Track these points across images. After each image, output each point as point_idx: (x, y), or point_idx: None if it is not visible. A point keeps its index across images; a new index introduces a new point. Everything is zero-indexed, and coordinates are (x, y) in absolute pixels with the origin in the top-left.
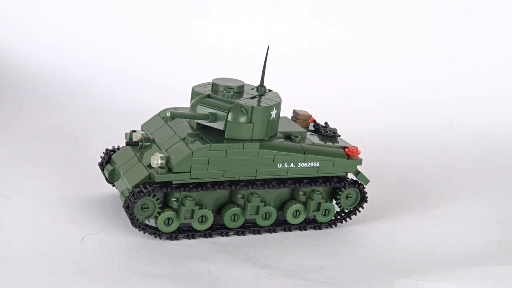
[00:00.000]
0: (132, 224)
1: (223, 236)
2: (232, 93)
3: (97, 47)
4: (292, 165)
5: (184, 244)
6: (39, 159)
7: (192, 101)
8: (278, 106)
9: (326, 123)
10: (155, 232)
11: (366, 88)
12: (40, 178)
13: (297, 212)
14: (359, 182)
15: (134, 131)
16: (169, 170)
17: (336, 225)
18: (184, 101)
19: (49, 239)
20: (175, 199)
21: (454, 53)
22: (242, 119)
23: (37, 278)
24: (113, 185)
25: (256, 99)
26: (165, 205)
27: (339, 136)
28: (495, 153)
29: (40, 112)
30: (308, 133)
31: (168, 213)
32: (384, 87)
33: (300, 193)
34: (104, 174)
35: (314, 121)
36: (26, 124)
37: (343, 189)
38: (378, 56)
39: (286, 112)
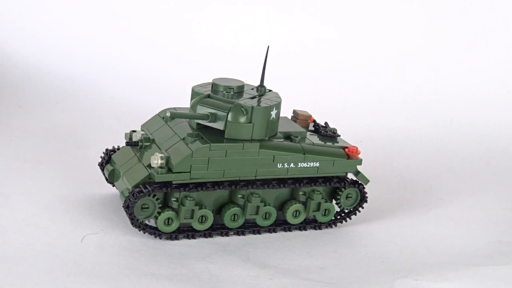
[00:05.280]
0: (132, 224)
1: (223, 236)
2: (232, 93)
3: (97, 48)
4: (292, 165)
5: (184, 244)
6: (39, 159)
7: (192, 101)
8: (278, 106)
9: (326, 123)
10: (155, 232)
11: (366, 88)
12: (40, 178)
13: (297, 212)
14: (359, 182)
15: (134, 131)
16: (169, 170)
17: (336, 225)
18: (184, 101)
19: (49, 239)
20: (175, 199)
21: (454, 53)
22: (242, 119)
23: (37, 278)
24: (113, 185)
25: (256, 99)
26: (165, 205)
27: (339, 136)
28: (495, 153)
29: (40, 112)
30: (308, 133)
31: (168, 213)
32: (384, 87)
33: (300, 193)
34: (104, 174)
35: (314, 121)
36: (26, 124)
37: (343, 189)
38: (378, 56)
39: (286, 112)
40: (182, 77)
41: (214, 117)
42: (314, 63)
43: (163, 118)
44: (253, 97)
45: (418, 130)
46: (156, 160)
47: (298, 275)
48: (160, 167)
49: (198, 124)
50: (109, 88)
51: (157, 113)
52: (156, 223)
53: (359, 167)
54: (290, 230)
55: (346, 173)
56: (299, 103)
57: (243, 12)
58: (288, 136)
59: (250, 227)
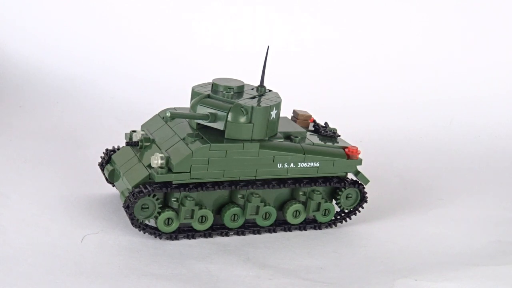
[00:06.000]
0: (132, 224)
1: (223, 236)
2: (232, 93)
3: (97, 48)
4: (292, 165)
5: (184, 244)
6: (39, 159)
7: (192, 101)
8: (278, 106)
9: (326, 123)
10: (155, 232)
11: (366, 88)
12: (40, 178)
13: (297, 212)
14: (359, 182)
15: (134, 131)
16: (169, 170)
17: (336, 225)
18: (184, 101)
19: (49, 239)
20: (175, 199)
21: (454, 53)
22: (242, 119)
23: (37, 278)
24: (113, 185)
25: (256, 99)
26: (165, 205)
27: (339, 136)
28: (495, 153)
29: (40, 112)
30: (308, 133)
31: (168, 213)
32: (384, 87)
33: (300, 193)
34: (104, 174)
35: (314, 121)
36: (26, 124)
37: (343, 189)
38: (378, 56)
39: (286, 112)
40: (182, 77)
41: (214, 117)
42: (314, 63)
43: (163, 118)
44: (253, 97)
45: (418, 130)
46: (156, 160)
47: (298, 275)
48: (160, 167)
49: (198, 124)
50: (109, 88)
51: (157, 113)
52: (156, 223)
53: (359, 167)
54: (290, 230)
55: (346, 173)
56: (299, 103)
57: (243, 12)
58: (288, 136)
59: (250, 227)
